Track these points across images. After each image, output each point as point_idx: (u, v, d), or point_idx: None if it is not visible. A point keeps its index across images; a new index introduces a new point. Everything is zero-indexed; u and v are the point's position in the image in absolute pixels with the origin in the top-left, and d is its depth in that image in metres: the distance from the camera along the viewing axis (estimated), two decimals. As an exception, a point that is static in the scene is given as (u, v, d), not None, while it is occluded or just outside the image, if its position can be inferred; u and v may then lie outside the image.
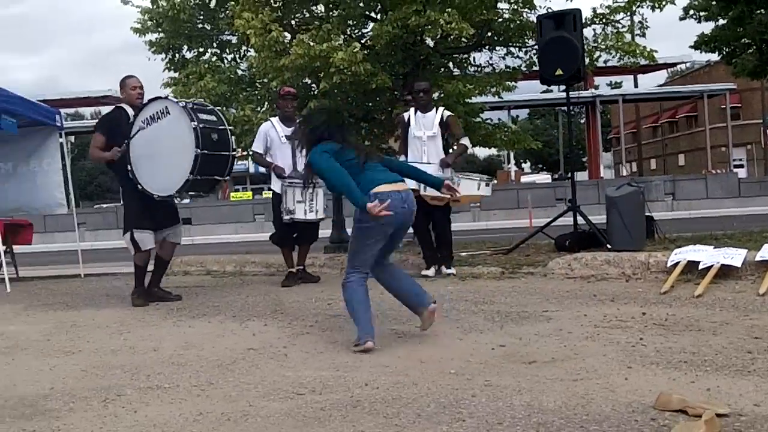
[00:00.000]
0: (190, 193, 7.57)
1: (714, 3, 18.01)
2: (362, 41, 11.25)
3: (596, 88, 41.02)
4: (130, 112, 7.44)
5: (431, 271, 8.62)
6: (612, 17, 11.32)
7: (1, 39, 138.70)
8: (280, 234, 8.59)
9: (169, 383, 4.31)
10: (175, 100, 7.51)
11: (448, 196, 8.12)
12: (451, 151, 8.51)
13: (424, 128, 8.49)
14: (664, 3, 10.82)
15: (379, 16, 11.45)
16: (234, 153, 7.57)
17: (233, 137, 7.77)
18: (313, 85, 11.44)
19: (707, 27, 19.13)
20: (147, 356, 5.08)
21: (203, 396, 4.03)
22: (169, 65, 12.61)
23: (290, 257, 8.70)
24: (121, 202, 7.66)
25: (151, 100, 7.41)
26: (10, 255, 10.90)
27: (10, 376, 4.67)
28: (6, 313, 7.54)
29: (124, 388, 4.24)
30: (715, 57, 22.13)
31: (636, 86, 45.74)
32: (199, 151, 6.99)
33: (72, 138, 39.52)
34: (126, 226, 7.51)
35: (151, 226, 7.49)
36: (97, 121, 8.14)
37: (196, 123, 7.04)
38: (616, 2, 11.21)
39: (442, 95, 11.41)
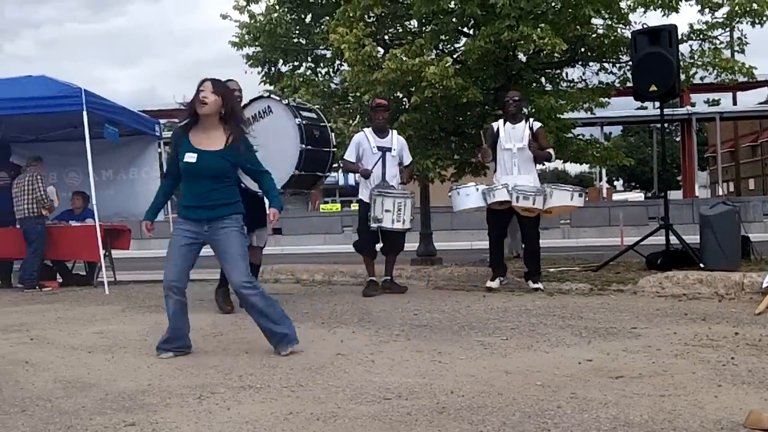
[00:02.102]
0: (293, 190, 7.68)
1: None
2: (454, 56, 11.32)
3: (693, 105, 40.10)
4: None
5: (495, 283, 8.65)
6: (709, 33, 11.11)
7: (101, 51, 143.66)
8: (364, 242, 8.70)
9: (261, 384, 4.45)
10: (277, 98, 7.68)
11: (540, 208, 8.16)
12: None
13: (514, 140, 8.50)
14: (765, 18, 10.56)
15: (471, 31, 11.51)
16: (334, 149, 7.71)
17: (333, 134, 7.89)
18: (405, 99, 11.56)
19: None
20: (239, 358, 5.24)
21: (293, 397, 4.15)
22: (264, 78, 12.90)
23: (372, 265, 8.80)
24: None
25: (252, 100, 7.60)
26: (109, 259, 11.31)
27: (111, 372, 4.88)
28: (105, 313, 7.84)
29: (218, 387, 4.39)
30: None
31: (735, 104, 44.48)
32: (303, 146, 7.17)
33: (168, 147, 40.52)
34: None
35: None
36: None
37: (299, 120, 7.21)
38: (715, 18, 11.01)
39: (533, 110, 11.39)
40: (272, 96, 7.70)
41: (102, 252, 10.13)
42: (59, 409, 4.03)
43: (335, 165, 9.59)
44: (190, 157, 5.20)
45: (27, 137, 12.40)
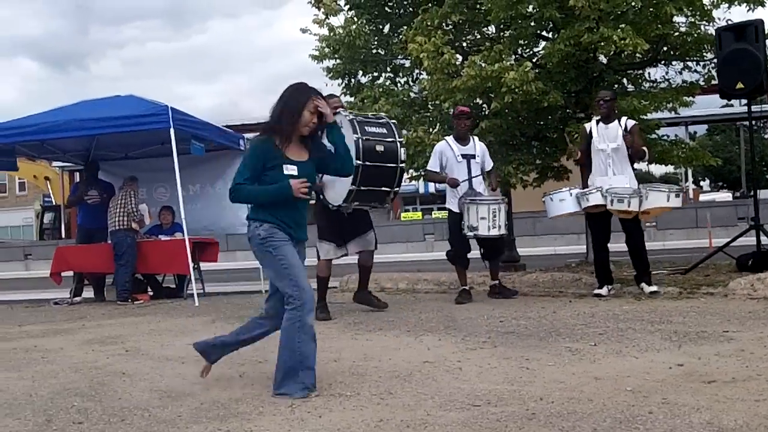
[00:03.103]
0: (360, 204, 7.72)
1: None
2: (534, 60, 11.25)
3: (781, 101, 38.94)
4: None
5: (604, 290, 8.49)
6: (799, 26, 10.81)
7: (183, 68, 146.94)
8: (457, 252, 8.73)
9: (351, 392, 4.51)
10: (346, 113, 7.78)
11: (635, 210, 8.02)
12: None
13: (607, 140, 8.37)
14: None
15: (550, 35, 11.45)
16: (402, 165, 7.74)
17: (403, 149, 7.94)
18: (485, 105, 11.55)
19: None
20: (328, 366, 5.30)
21: (383, 404, 4.20)
22: (345, 90, 13.04)
23: (464, 275, 8.83)
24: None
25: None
26: (197, 271, 11.58)
27: (205, 382, 4.99)
28: (195, 325, 8.05)
29: (309, 395, 4.47)
30: None
31: (826, 98, 43.05)
32: (360, 162, 7.22)
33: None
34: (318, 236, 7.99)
35: (333, 239, 7.93)
36: None
37: (358, 135, 7.29)
38: (804, 10, 10.72)
39: (616, 112, 11.24)
40: (341, 111, 7.79)
41: (191, 265, 10.37)
42: (156, 418, 4.16)
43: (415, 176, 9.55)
44: (291, 170, 4.65)
45: (116, 155, 12.85)
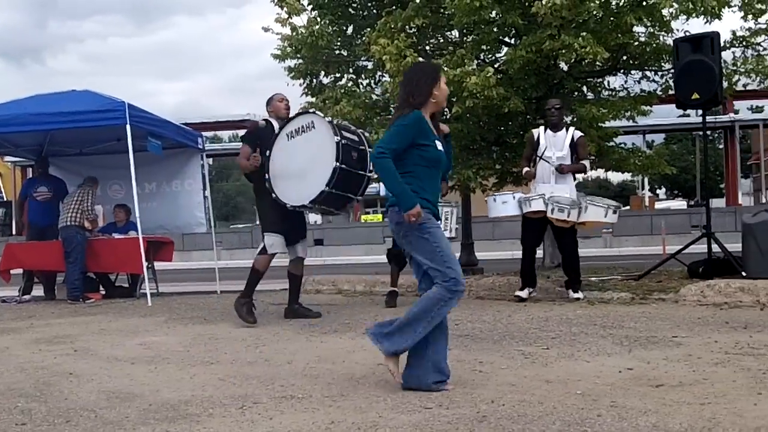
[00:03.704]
0: (321, 207, 7.69)
1: None
2: (495, 66, 11.32)
3: (736, 112, 39.50)
4: (276, 125, 7.77)
5: (525, 293, 8.69)
6: (752, 40, 11.03)
7: (147, 65, 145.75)
8: (398, 252, 8.74)
9: (303, 393, 4.49)
10: (322, 115, 7.79)
11: (573, 220, 8.18)
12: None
13: (554, 148, 8.50)
14: (808, 25, 10.47)
15: (513, 41, 11.53)
16: (370, 174, 7.73)
17: (370, 155, 7.93)
18: (446, 109, 11.58)
19: None
20: (281, 368, 5.29)
21: (334, 407, 4.18)
22: (306, 90, 12.99)
23: (397, 277, 8.92)
24: (257, 223, 7.98)
25: (298, 114, 7.74)
26: (151, 271, 11.49)
27: (154, 383, 4.95)
28: (148, 325, 7.97)
29: (260, 397, 4.44)
30: None
31: (779, 110, 43.80)
32: (338, 164, 7.20)
33: (210, 160, 41.02)
34: (262, 228, 7.88)
35: (283, 232, 7.75)
36: (245, 132, 8.51)
37: (339, 138, 7.27)
38: (758, 24, 10.93)
39: (575, 119, 11.37)
40: (317, 112, 7.78)
41: (145, 264, 10.26)
42: (103, 419, 4.10)
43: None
44: (440, 146, 4.71)
45: (71, 151, 12.68)
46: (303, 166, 7.45)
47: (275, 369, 5.29)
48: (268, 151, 7.59)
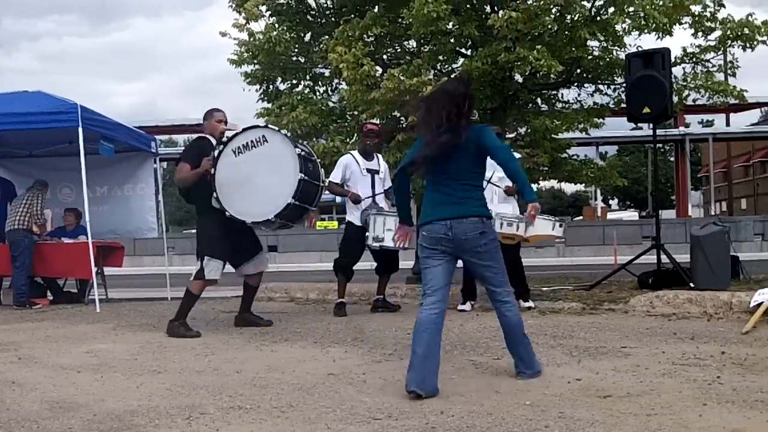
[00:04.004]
0: (282, 220, 7.54)
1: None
2: (452, 76, 11.40)
3: (687, 126, 40.24)
4: (215, 142, 7.62)
5: (468, 306, 8.80)
6: (702, 56, 11.25)
7: (102, 65, 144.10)
8: (348, 262, 8.77)
9: (251, 404, 4.46)
10: (274, 128, 7.75)
11: (521, 234, 8.26)
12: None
13: (495, 168, 8.56)
14: (755, 43, 10.69)
15: (469, 52, 11.61)
16: (323, 185, 7.75)
17: (320, 165, 7.96)
18: (402, 118, 11.63)
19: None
20: (230, 378, 5.25)
21: (283, 417, 4.17)
22: (263, 96, 12.94)
23: (345, 287, 8.90)
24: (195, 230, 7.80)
25: (245, 129, 7.61)
26: (101, 276, 11.33)
27: (99, 392, 4.88)
28: (95, 332, 7.86)
29: (208, 407, 4.40)
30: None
31: (728, 125, 44.64)
32: (302, 175, 7.18)
33: (164, 164, 40.63)
34: (201, 251, 7.48)
35: (224, 257, 7.50)
36: (184, 149, 8.35)
37: (300, 150, 7.26)
38: (708, 41, 11.15)
39: (529, 130, 11.48)
40: (269, 126, 7.74)
41: (94, 269, 10.10)
42: (45, 430, 4.04)
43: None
44: None
45: (21, 152, 12.46)
46: (260, 180, 7.36)
47: (224, 378, 5.25)
48: (213, 168, 7.38)
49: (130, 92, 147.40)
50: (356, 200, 8.62)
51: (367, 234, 8.40)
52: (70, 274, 11.38)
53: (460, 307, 8.75)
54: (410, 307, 9.03)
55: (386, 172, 8.98)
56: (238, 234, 7.55)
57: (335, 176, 8.84)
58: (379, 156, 9.18)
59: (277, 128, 7.80)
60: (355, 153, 8.93)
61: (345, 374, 5.26)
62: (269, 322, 7.95)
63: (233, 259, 7.72)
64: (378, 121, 10.39)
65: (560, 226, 8.56)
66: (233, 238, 7.51)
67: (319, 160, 7.89)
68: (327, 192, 8.67)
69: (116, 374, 5.50)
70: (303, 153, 7.34)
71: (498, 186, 8.49)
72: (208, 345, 6.71)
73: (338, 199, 46.86)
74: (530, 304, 8.65)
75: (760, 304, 7.19)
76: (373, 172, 8.77)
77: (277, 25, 12.36)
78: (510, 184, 8.46)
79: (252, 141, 7.42)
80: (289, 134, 7.79)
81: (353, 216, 8.72)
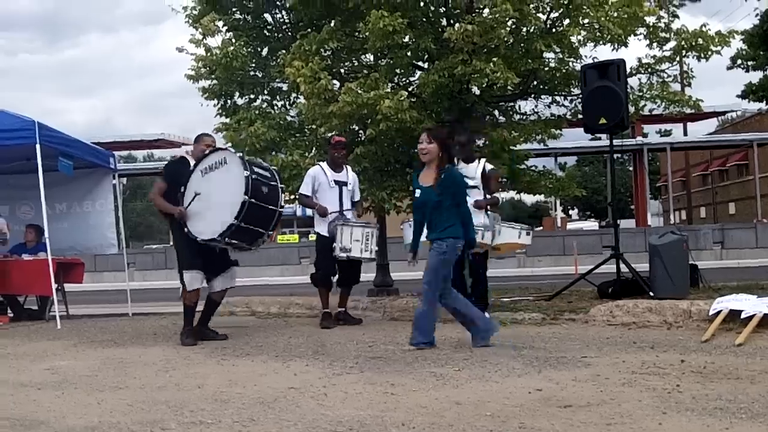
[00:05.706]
0: (231, 241, 7.64)
1: (762, 53, 17.99)
2: (409, 89, 11.44)
3: (645, 135, 40.76)
4: (192, 162, 7.83)
5: None
6: (657, 67, 11.41)
7: (56, 82, 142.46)
8: (324, 275, 8.78)
9: (212, 419, 4.43)
10: (235, 152, 7.84)
11: (488, 243, 8.30)
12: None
13: (466, 178, 8.60)
14: (709, 53, 10.86)
15: (426, 65, 11.66)
16: (281, 210, 7.82)
17: (282, 191, 7.99)
18: (360, 131, 11.64)
19: (756, 76, 19.09)
20: (191, 393, 5.22)
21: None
22: (221, 111, 12.87)
23: (328, 297, 8.92)
24: (170, 244, 7.97)
25: (212, 151, 7.77)
26: (61, 293, 11.18)
27: (60, 409, 4.82)
28: (56, 348, 7.78)
29: (169, 423, 4.37)
30: (763, 106, 22.01)
31: (685, 134, 45.37)
32: (247, 198, 7.24)
33: (124, 180, 40.32)
34: (179, 266, 7.81)
35: (200, 267, 7.76)
36: (163, 167, 8.53)
37: (248, 173, 7.32)
38: (663, 52, 11.31)
39: (486, 142, 11.54)
40: (230, 149, 7.81)
41: (54, 286, 9.99)
42: (5, 448, 3.99)
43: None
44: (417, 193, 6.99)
45: (-22, 170, 12.27)
46: (214, 200, 7.52)
47: (185, 394, 5.21)
48: (183, 188, 7.66)
49: (84, 109, 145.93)
50: (323, 213, 8.66)
51: (334, 245, 8.43)
52: (30, 290, 11.27)
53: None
54: (372, 321, 9.06)
55: (355, 184, 9.05)
56: (207, 249, 7.72)
57: (305, 188, 8.95)
58: (348, 167, 9.23)
59: (235, 152, 7.86)
60: (324, 165, 9.00)
61: (306, 388, 5.24)
62: (225, 336, 7.98)
63: (206, 270, 7.85)
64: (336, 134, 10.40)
65: (527, 234, 8.64)
66: (203, 252, 7.71)
67: (282, 186, 7.90)
68: (298, 204, 8.80)
69: (77, 391, 5.44)
70: (256, 177, 7.43)
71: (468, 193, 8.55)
72: (169, 360, 6.67)
73: (299, 212, 46.97)
74: (487, 316, 8.64)
75: (719, 313, 7.30)
76: (341, 184, 8.83)
77: (234, 40, 12.30)
78: (480, 198, 8.52)
79: (215, 162, 7.64)
80: (248, 158, 7.82)
81: (321, 228, 8.75)
